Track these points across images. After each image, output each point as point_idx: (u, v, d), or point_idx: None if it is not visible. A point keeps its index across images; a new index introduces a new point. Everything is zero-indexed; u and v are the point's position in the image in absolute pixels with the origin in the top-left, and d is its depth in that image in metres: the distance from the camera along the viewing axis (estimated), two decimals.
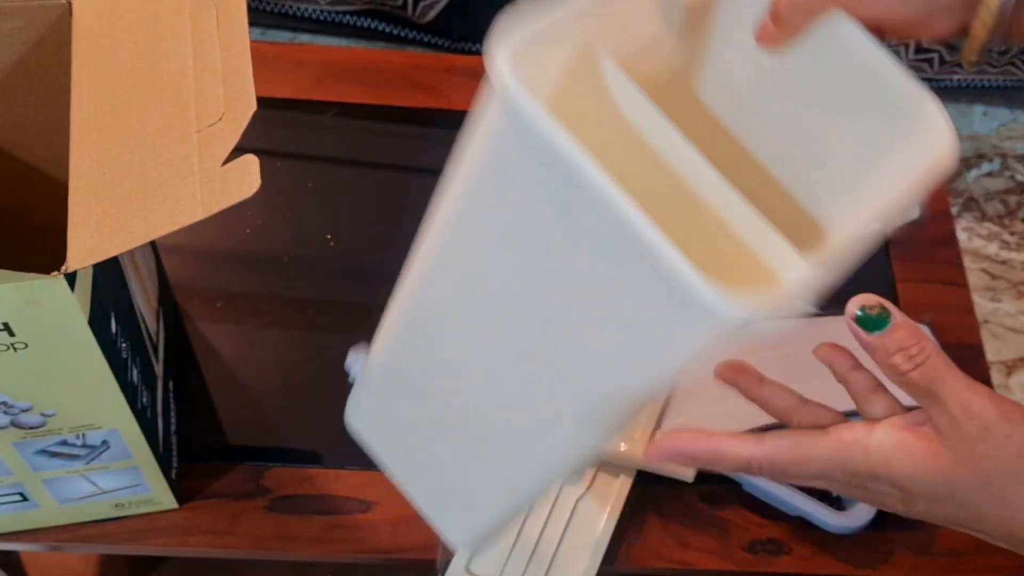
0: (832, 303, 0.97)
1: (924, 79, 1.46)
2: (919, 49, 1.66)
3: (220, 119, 0.54)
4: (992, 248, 1.68)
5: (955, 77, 1.75)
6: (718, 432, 0.46)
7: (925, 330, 0.69)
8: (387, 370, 0.53)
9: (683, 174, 0.40)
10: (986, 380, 0.86)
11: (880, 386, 0.48)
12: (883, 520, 0.79)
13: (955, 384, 0.43)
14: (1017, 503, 0.44)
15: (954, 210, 1.71)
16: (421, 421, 0.53)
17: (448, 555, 0.75)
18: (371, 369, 0.54)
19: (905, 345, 0.43)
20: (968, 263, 1.64)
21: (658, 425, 0.80)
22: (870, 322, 0.43)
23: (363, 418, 0.57)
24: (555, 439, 0.45)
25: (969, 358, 0.88)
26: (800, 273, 0.39)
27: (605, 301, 0.37)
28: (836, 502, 0.80)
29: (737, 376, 0.50)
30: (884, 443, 0.44)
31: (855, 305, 0.44)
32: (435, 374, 0.50)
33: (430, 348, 0.49)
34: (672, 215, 0.37)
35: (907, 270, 0.94)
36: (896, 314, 0.43)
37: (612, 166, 0.35)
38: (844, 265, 0.37)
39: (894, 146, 0.41)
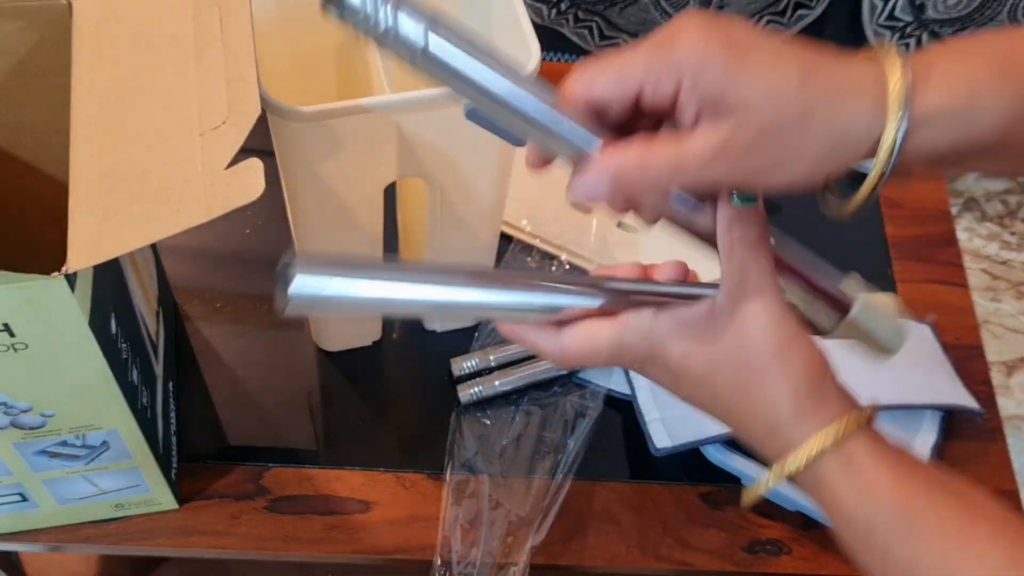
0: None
1: None
2: None
3: (224, 122, 0.54)
4: (992, 248, 1.68)
5: None
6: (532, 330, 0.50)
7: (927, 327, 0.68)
8: None
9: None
10: (986, 380, 0.86)
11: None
12: None
13: (762, 272, 0.47)
14: (757, 398, 0.47)
15: (955, 210, 1.71)
16: None
17: (448, 553, 0.75)
18: None
19: (740, 217, 0.47)
20: (969, 263, 1.64)
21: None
22: (742, 198, 0.47)
23: None
24: None
25: (969, 358, 0.88)
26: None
27: None
28: None
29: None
30: (662, 330, 0.48)
31: (736, 196, 0.48)
32: None
33: None
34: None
35: (908, 270, 0.93)
36: (760, 200, 0.48)
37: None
38: None
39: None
